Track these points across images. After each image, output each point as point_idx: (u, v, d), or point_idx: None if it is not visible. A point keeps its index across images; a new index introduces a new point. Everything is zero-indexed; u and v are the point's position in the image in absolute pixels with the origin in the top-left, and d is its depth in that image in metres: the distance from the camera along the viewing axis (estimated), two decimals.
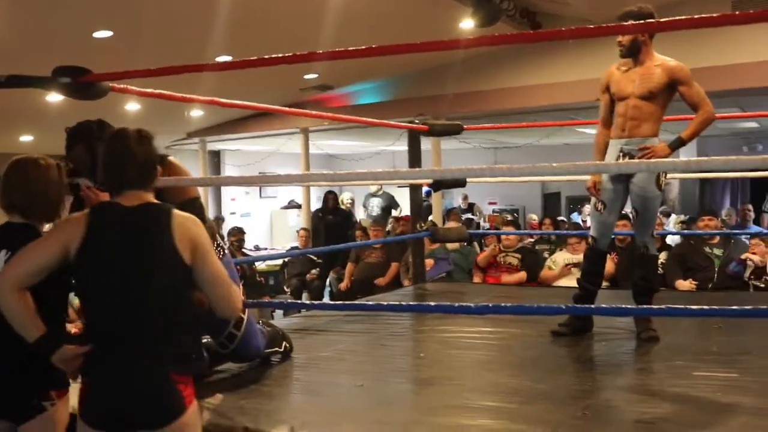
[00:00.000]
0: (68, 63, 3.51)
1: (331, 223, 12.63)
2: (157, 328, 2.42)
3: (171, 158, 3.64)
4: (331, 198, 13.01)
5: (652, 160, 4.26)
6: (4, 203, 2.82)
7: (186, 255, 2.43)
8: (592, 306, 4.63)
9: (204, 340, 3.77)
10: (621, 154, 4.48)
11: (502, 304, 3.97)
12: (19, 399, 2.67)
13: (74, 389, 2.69)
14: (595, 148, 4.67)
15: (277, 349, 4.09)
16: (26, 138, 12.41)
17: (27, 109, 9.98)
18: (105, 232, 2.45)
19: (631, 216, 4.91)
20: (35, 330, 2.47)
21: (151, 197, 2.54)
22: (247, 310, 3.74)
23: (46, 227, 2.86)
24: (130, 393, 2.39)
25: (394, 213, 13.86)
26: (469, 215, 14.91)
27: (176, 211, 2.50)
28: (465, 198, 16.41)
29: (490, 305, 4.04)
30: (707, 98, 4.39)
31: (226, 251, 3.84)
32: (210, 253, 2.52)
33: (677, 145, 4.36)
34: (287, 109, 6.41)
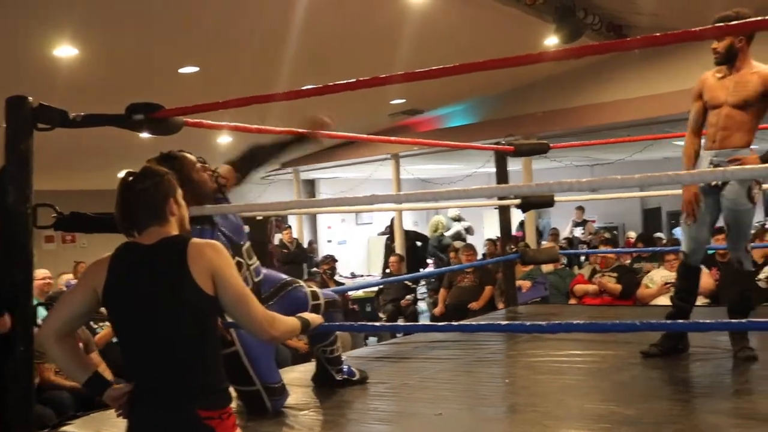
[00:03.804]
0: (155, 99, 3.55)
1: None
2: (179, 365, 2.38)
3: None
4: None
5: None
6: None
7: (206, 285, 2.38)
8: (668, 321, 4.42)
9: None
10: (711, 166, 4.28)
11: (574, 322, 3.82)
12: None
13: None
14: (684, 159, 4.41)
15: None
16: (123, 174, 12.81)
17: (121, 146, 10.29)
18: (125, 273, 2.44)
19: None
20: (83, 373, 2.49)
21: (170, 231, 2.50)
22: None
23: None
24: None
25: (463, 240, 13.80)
26: (578, 232, 14.55)
27: (192, 242, 2.43)
28: (579, 209, 15.33)
29: (562, 323, 3.88)
30: None
31: (262, 271, 3.88)
32: (228, 275, 2.43)
33: None
34: (367, 136, 6.40)
